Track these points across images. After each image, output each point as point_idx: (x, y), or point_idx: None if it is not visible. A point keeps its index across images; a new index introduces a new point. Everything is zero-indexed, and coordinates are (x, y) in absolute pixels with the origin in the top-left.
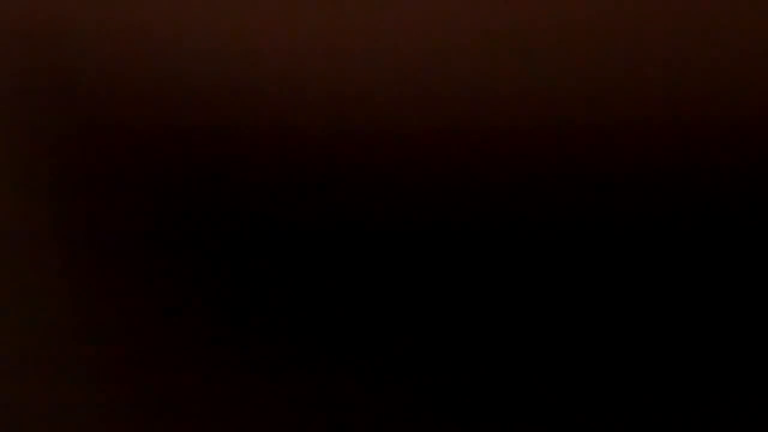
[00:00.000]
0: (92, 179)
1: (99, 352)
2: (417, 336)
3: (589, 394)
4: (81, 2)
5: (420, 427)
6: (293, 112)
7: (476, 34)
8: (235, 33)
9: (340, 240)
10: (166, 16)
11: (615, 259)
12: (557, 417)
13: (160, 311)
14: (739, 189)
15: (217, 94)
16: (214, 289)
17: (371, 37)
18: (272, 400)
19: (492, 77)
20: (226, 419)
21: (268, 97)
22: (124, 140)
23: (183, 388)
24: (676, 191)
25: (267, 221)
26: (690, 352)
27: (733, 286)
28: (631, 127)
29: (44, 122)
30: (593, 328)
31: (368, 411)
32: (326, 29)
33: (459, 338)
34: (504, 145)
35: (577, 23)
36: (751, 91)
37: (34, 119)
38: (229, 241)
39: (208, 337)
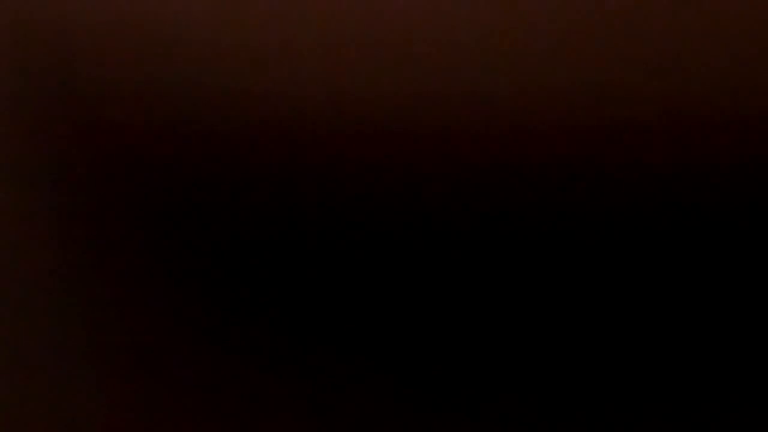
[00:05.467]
0: (92, 179)
1: (99, 352)
2: (419, 336)
3: (589, 394)
4: (81, 2)
5: (419, 427)
6: (293, 112)
7: (477, 33)
8: (235, 33)
9: (340, 240)
10: (165, 15)
11: (615, 259)
12: (557, 417)
13: (160, 310)
14: (739, 189)
15: (217, 94)
16: (214, 289)
17: (371, 37)
18: (272, 399)
19: (493, 77)
20: (226, 419)
21: (268, 98)
22: (123, 140)
23: (183, 388)
24: (676, 191)
25: (267, 221)
26: (690, 352)
27: (733, 286)
28: (632, 127)
29: (44, 122)
30: (593, 329)
31: (368, 411)
32: (326, 29)
33: (460, 339)
34: (505, 145)
35: (576, 23)
36: (751, 91)
37: (34, 119)
38: (229, 241)
39: (208, 336)
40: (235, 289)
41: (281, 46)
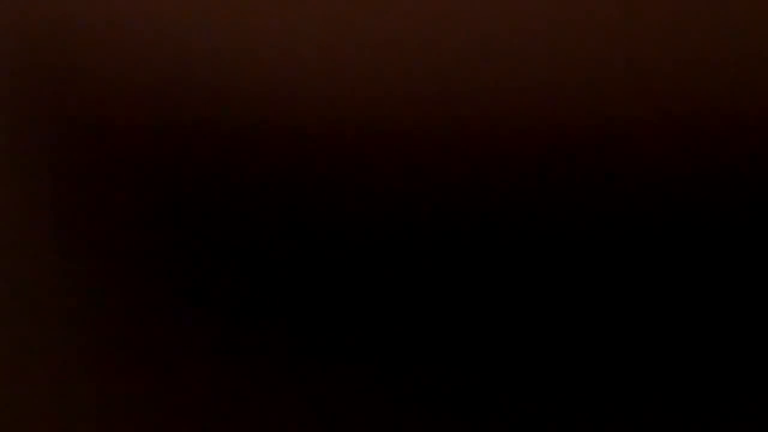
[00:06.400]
0: (92, 179)
1: (99, 352)
2: (420, 336)
3: (589, 394)
4: (81, 2)
5: (419, 427)
6: (293, 112)
7: (476, 33)
8: (235, 33)
9: (340, 240)
10: (166, 15)
11: (614, 259)
12: (557, 417)
13: (160, 311)
14: (739, 189)
15: (217, 94)
16: (214, 289)
17: (372, 37)
18: (272, 400)
19: (493, 77)
20: (226, 419)
21: (268, 97)
22: (123, 140)
23: (183, 388)
24: (676, 191)
25: (267, 221)
26: (690, 352)
27: (733, 286)
28: (632, 127)
29: (44, 122)
30: (593, 329)
31: (368, 411)
32: (326, 29)
33: (461, 339)
34: (504, 145)
35: (577, 23)
36: (751, 91)
37: (33, 119)
38: (229, 241)
39: (209, 336)
40: (235, 289)
41: (281, 46)
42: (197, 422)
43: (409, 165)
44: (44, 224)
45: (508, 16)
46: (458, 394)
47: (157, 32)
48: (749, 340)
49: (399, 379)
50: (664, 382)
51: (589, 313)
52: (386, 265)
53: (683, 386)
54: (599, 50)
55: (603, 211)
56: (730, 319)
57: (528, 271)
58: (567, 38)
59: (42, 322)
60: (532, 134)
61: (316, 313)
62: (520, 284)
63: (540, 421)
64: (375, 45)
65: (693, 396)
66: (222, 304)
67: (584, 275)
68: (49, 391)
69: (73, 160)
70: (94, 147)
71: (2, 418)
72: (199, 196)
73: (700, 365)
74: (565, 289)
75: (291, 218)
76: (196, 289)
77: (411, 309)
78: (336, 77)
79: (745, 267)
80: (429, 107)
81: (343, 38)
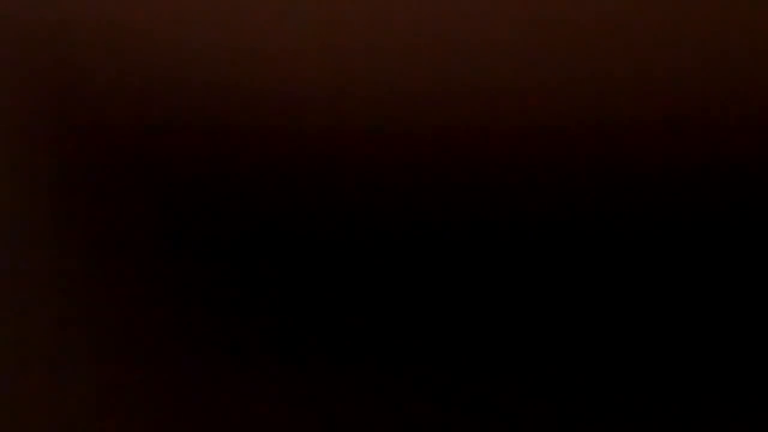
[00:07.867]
0: (91, 179)
1: (99, 352)
2: (419, 336)
3: (589, 394)
4: (81, 2)
5: (419, 427)
6: (293, 112)
7: (476, 33)
8: (235, 33)
9: (339, 239)
10: (165, 15)
11: (614, 259)
12: (558, 417)
13: (160, 311)
14: (739, 189)
15: (217, 94)
16: (214, 289)
17: (372, 37)
18: (271, 400)
19: (493, 76)
20: (226, 419)
21: (268, 98)
22: (123, 140)
23: (183, 388)
24: (676, 191)
25: (267, 221)
26: (690, 352)
27: (733, 286)
28: (632, 127)
29: (44, 122)
30: (593, 329)
31: (367, 411)
32: (326, 29)
33: (460, 339)
34: (504, 145)
35: (576, 23)
36: (751, 91)
37: (34, 119)
38: (229, 240)
39: (209, 336)
40: (234, 289)
41: (281, 46)
42: (197, 422)
43: (409, 165)
44: (44, 224)
45: (508, 16)
46: (458, 393)
47: (156, 32)
48: (749, 339)
49: (399, 379)
50: (664, 381)
51: (588, 314)
52: (386, 265)
53: (683, 386)
54: (599, 50)
55: (603, 211)
56: (730, 319)
57: (528, 271)
58: (567, 38)
59: (42, 322)
60: (532, 134)
61: (316, 313)
62: (520, 284)
63: (540, 421)
64: (376, 44)
65: (693, 396)
66: (221, 303)
67: (584, 276)
68: (49, 391)
69: (72, 160)
70: (94, 147)
71: (2, 418)
72: (199, 195)
73: (700, 365)
74: (565, 289)
75: (291, 218)
76: (195, 289)
77: (411, 309)
78: (336, 77)
79: (745, 267)
80: (429, 107)
81: (344, 38)
